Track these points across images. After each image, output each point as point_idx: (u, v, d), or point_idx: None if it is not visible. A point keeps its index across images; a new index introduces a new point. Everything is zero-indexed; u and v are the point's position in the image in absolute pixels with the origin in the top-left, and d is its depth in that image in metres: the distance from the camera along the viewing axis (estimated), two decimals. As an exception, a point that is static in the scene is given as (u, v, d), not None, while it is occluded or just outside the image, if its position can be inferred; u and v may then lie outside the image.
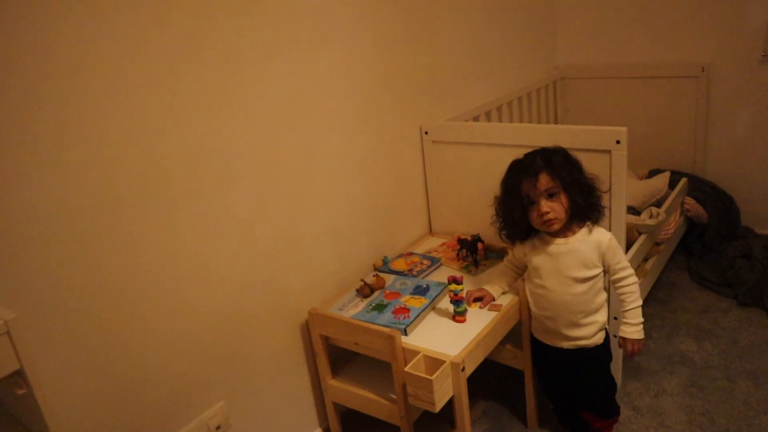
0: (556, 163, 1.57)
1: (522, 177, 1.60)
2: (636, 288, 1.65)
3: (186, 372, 1.53)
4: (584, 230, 1.63)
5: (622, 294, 1.66)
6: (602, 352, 1.73)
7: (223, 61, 1.52)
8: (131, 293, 1.38)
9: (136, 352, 1.41)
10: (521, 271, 1.82)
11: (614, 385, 1.83)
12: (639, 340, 1.66)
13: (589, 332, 1.68)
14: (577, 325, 1.66)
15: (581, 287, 1.63)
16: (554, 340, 1.72)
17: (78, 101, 1.24)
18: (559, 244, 1.63)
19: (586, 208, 1.59)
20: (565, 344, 1.70)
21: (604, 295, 1.69)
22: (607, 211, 1.75)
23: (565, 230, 1.63)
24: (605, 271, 1.67)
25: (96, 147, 1.28)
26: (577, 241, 1.62)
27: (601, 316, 1.69)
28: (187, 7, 1.41)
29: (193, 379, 1.56)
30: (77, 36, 1.22)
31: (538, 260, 1.67)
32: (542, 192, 1.56)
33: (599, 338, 1.71)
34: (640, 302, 1.66)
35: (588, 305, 1.65)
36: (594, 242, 1.62)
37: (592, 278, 1.63)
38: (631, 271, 1.66)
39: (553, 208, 1.57)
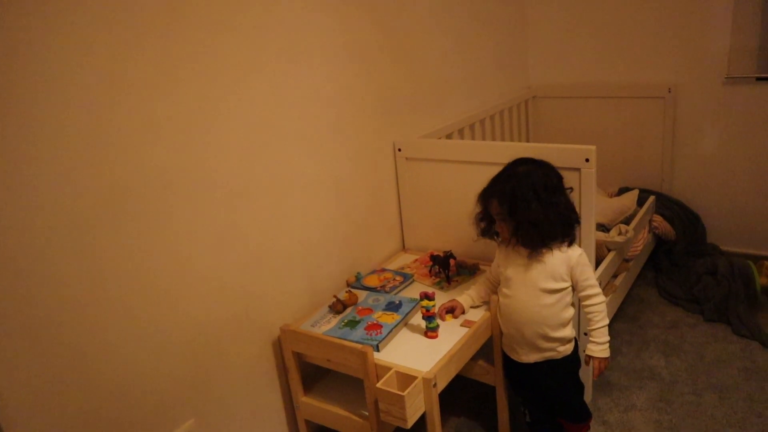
0: (515, 190, 1.61)
1: (487, 195, 1.69)
2: (603, 308, 1.69)
3: (155, 390, 1.51)
4: (561, 247, 1.66)
5: (590, 313, 1.69)
6: (571, 360, 1.76)
7: (199, 80, 1.52)
8: (97, 309, 1.36)
9: (102, 370, 1.38)
10: (496, 286, 1.84)
11: (583, 387, 1.86)
12: (605, 359, 1.70)
13: (556, 346, 1.70)
14: (545, 338, 1.68)
15: (549, 299, 1.66)
16: (523, 355, 1.74)
17: (54, 118, 1.23)
18: (532, 258, 1.66)
19: (535, 236, 1.62)
20: (534, 357, 1.73)
21: (572, 311, 1.71)
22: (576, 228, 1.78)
23: (539, 248, 1.66)
24: (573, 287, 1.70)
25: (65, 164, 1.27)
26: (550, 255, 1.65)
27: (569, 332, 1.72)
28: (163, 28, 1.41)
29: (163, 396, 1.53)
30: (56, 58, 1.22)
31: (510, 271, 1.71)
32: (495, 214, 1.68)
33: (567, 349, 1.74)
34: (607, 321, 1.70)
35: (555, 318, 1.68)
36: (564, 257, 1.66)
37: (559, 291, 1.66)
38: (598, 290, 1.69)
39: (502, 229, 1.68)
